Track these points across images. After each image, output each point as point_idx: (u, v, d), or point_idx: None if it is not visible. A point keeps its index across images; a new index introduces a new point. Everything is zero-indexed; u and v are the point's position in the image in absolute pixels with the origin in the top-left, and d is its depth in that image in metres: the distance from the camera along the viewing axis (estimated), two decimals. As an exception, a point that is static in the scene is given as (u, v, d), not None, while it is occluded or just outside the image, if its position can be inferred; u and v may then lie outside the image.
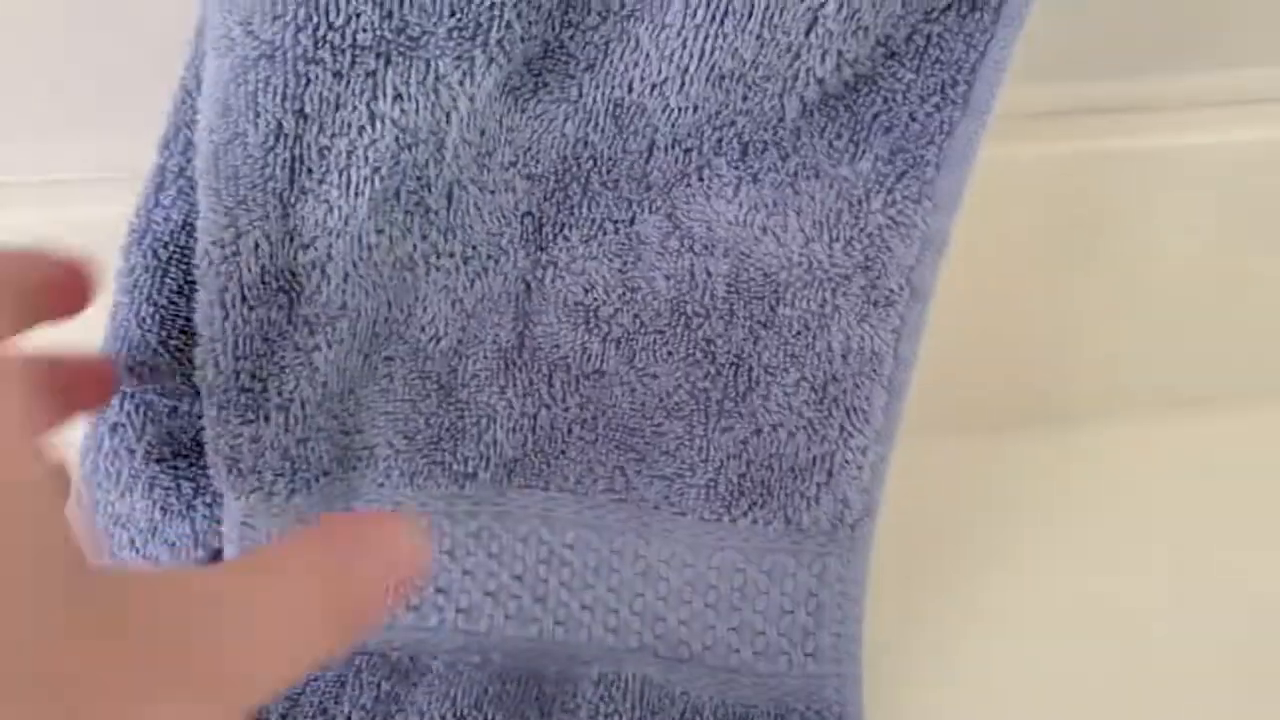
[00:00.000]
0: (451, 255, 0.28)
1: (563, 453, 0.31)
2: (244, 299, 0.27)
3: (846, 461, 0.30)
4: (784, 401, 0.30)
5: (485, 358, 0.31)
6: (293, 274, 0.27)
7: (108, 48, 0.33)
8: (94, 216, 0.30)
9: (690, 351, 0.31)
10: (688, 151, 0.28)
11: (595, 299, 0.30)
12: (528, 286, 0.30)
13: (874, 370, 0.29)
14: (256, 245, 0.26)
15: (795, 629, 0.31)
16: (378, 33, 0.24)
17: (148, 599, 0.16)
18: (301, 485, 0.30)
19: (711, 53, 0.25)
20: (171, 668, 0.16)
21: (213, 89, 0.25)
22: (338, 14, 0.24)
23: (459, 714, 0.30)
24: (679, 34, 0.25)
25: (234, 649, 0.16)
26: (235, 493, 0.29)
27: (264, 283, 0.27)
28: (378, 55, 0.24)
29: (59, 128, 0.34)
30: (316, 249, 0.27)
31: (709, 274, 0.30)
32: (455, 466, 0.31)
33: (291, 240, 0.26)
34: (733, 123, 0.27)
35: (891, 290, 0.28)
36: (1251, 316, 0.43)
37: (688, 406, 0.31)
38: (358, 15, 0.24)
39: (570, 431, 0.31)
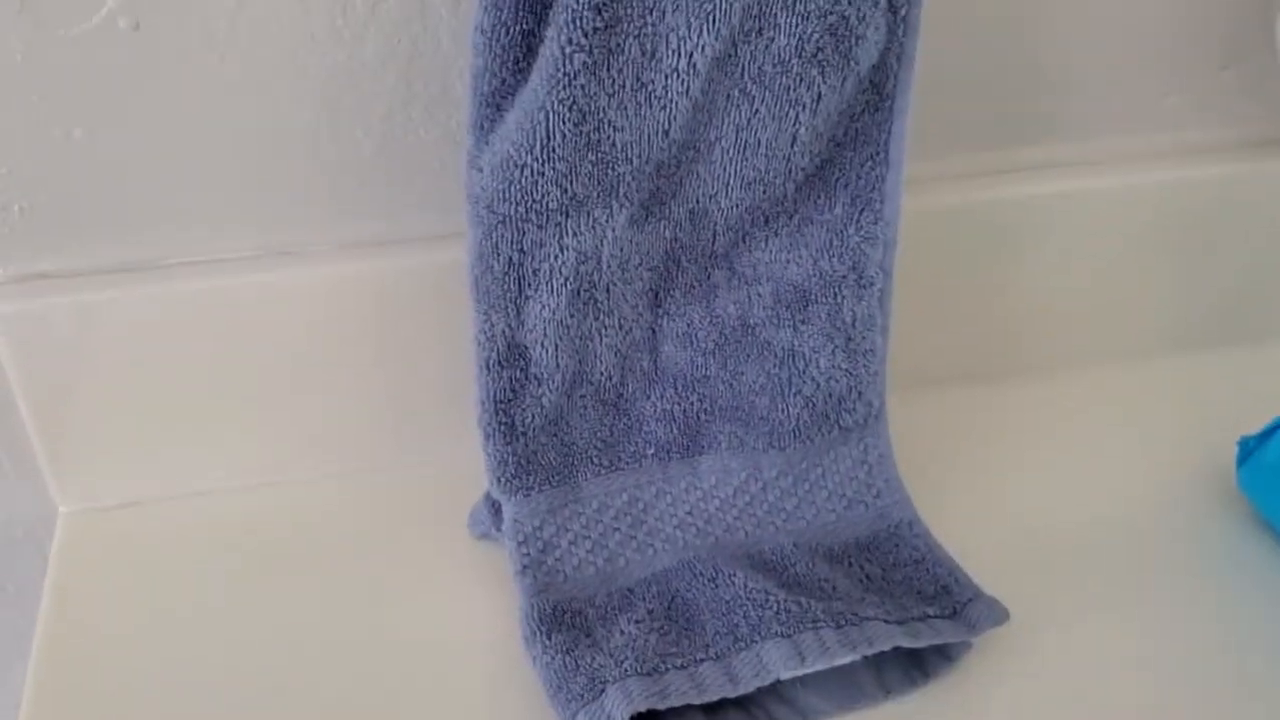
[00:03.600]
0: (611, 323, 0.47)
1: (696, 430, 0.49)
2: (498, 364, 0.45)
3: (868, 384, 0.48)
4: (825, 365, 0.49)
5: (635, 382, 0.49)
6: (524, 347, 0.45)
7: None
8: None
9: (759, 350, 0.49)
10: (735, 228, 0.47)
11: (693, 328, 0.49)
12: (653, 331, 0.48)
13: (871, 326, 0.48)
14: (503, 332, 0.44)
15: (860, 486, 0.49)
16: (560, 201, 0.43)
17: None
18: (541, 484, 0.47)
19: (741, 171, 0.44)
20: None
21: (471, 243, 0.43)
22: (538, 195, 0.42)
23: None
24: (721, 164, 0.44)
25: None
26: (503, 496, 0.47)
27: (508, 354, 0.45)
28: (561, 212, 0.43)
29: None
30: (536, 331, 0.45)
31: (760, 294, 0.48)
32: (631, 454, 0.49)
33: (522, 326, 0.45)
34: (759, 205, 0.46)
35: (873, 277, 0.47)
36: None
37: (766, 387, 0.49)
38: (548, 193, 0.42)
39: (698, 418, 0.49)
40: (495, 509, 0.49)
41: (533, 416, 0.46)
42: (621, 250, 0.45)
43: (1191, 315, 0.63)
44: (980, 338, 0.61)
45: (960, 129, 0.56)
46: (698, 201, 0.45)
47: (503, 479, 0.47)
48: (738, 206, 0.46)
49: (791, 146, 0.44)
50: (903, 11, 0.43)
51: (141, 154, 0.47)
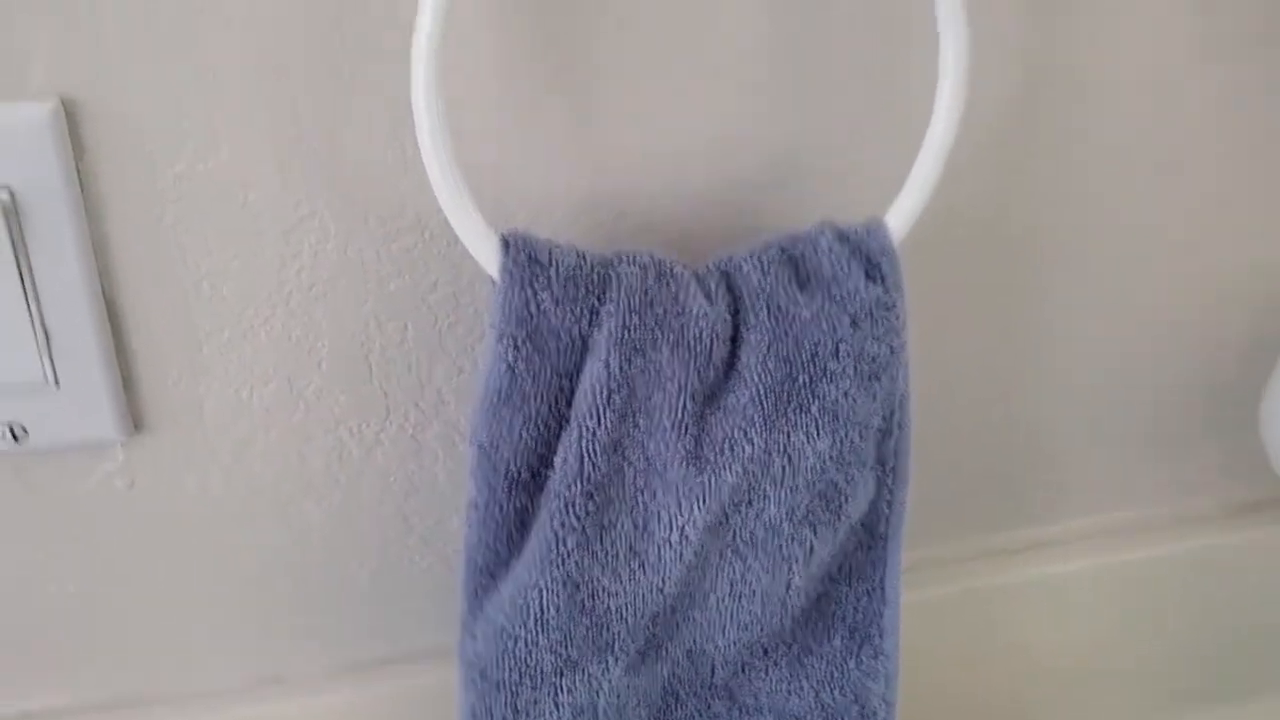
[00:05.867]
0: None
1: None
2: None
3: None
4: None
5: None
6: None
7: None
8: None
9: None
10: (734, 661, 0.46)
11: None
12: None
13: None
14: None
15: None
16: (554, 664, 0.42)
17: None
18: None
19: (737, 615, 0.44)
20: None
21: (463, 706, 0.42)
22: (532, 661, 0.41)
23: None
24: (717, 610, 0.44)
25: None
26: None
27: None
28: (555, 674, 0.42)
29: None
30: None
31: None
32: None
33: None
34: (757, 640, 0.45)
35: (875, 709, 0.46)
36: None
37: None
38: (542, 659, 0.42)
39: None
40: None
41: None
42: (618, 697, 0.44)
43: (1181, 677, 0.62)
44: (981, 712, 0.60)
45: (942, 514, 0.56)
46: (695, 642, 0.45)
47: None
48: (735, 644, 0.45)
49: (786, 592, 0.44)
50: (890, 464, 0.44)
51: (134, 600, 0.47)
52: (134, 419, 0.43)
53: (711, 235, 0.46)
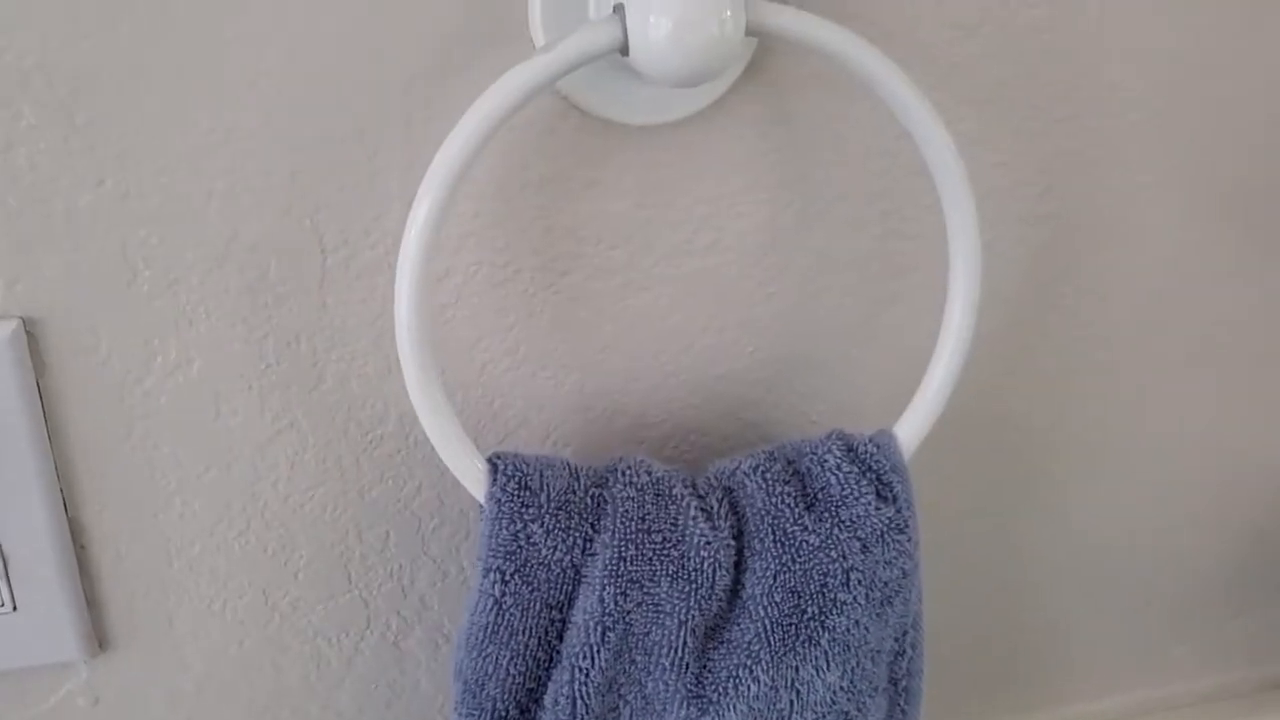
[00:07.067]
0: None
1: None
2: None
3: None
4: None
5: None
6: None
7: None
8: None
9: None
10: None
11: None
12: None
13: None
14: None
15: None
16: None
17: None
18: None
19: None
20: None
21: None
22: None
23: None
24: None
25: None
26: None
27: None
28: None
29: None
30: None
31: None
32: None
33: None
34: None
35: None
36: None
37: None
38: None
39: None
40: None
41: None
42: None
43: None
44: None
45: (963, 697, 0.53)
46: None
47: None
48: None
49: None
50: (903, 684, 0.41)
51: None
52: (99, 638, 0.41)
53: (710, 432, 0.44)
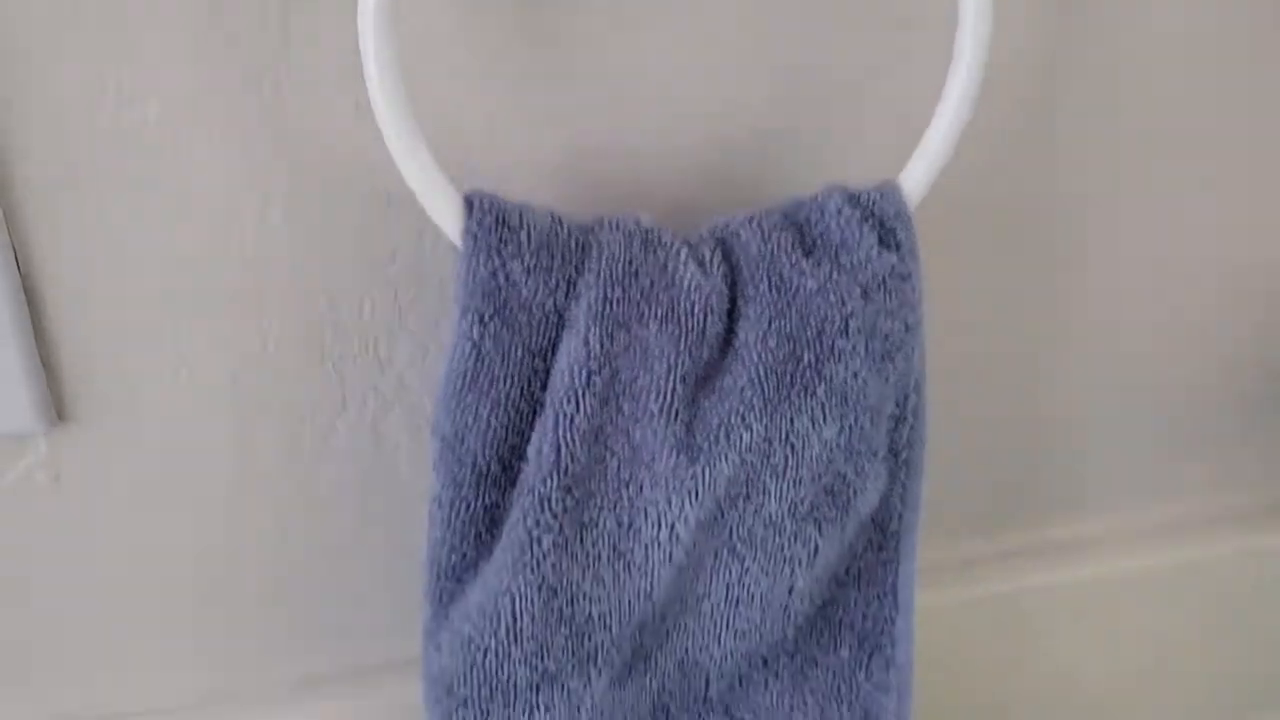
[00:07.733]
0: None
1: None
2: None
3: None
4: None
5: None
6: None
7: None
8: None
9: None
10: (730, 674, 0.41)
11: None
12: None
13: None
14: None
15: None
16: (529, 679, 0.37)
17: None
18: None
19: (734, 623, 0.40)
20: None
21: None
22: (504, 675, 0.37)
23: None
24: (711, 618, 0.39)
25: None
26: None
27: None
28: (531, 689, 0.38)
29: None
30: None
31: None
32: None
33: None
34: (755, 650, 0.41)
35: None
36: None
37: None
38: (515, 672, 0.37)
39: None
40: None
41: None
42: (602, 714, 0.40)
43: (1216, 688, 0.58)
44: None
45: (958, 512, 0.52)
46: (686, 652, 0.40)
47: None
48: (731, 655, 0.41)
49: (788, 596, 0.40)
50: (904, 455, 0.39)
51: (65, 608, 0.42)
52: (57, 408, 0.39)
53: (704, 206, 0.42)
